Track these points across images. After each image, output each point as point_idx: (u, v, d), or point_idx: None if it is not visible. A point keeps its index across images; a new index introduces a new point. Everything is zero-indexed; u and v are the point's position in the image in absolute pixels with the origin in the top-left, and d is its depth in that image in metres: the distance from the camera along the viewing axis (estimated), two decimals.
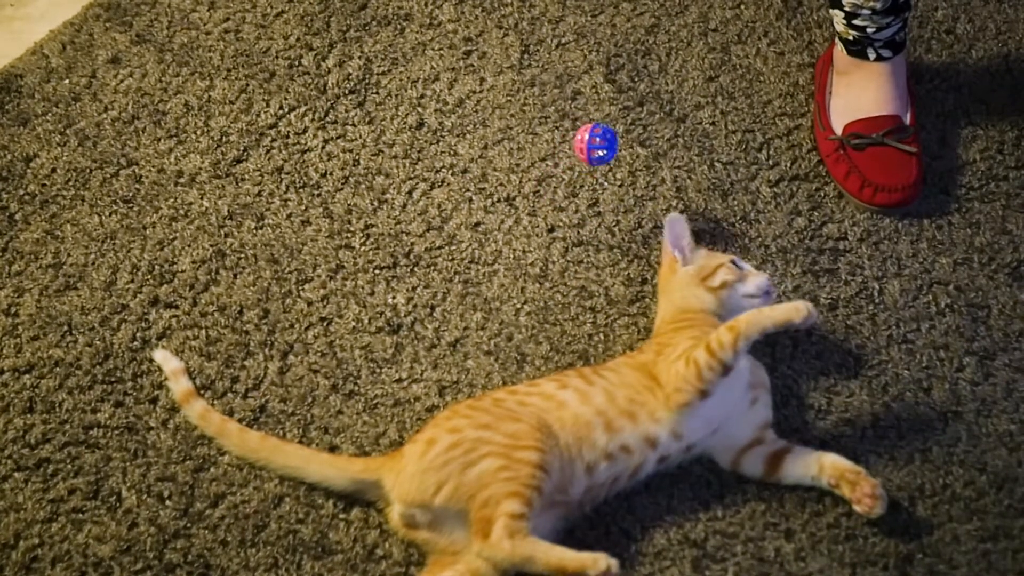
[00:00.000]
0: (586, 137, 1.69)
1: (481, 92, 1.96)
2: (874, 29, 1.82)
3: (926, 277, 1.74)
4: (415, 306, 1.71)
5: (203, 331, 1.68)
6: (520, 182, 1.84)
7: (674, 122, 1.91)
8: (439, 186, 1.84)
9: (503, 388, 1.57)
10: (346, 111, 1.93)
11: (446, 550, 1.44)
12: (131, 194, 1.83)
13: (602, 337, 1.67)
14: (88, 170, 1.86)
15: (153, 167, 1.87)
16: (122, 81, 1.97)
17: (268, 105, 1.94)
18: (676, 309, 1.60)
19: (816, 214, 1.81)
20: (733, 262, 1.61)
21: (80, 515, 1.51)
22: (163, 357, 1.63)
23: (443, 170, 1.86)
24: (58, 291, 1.72)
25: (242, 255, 1.76)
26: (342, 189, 1.84)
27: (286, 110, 1.94)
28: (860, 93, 1.86)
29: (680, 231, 1.64)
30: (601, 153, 1.69)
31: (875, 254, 1.76)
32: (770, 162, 1.87)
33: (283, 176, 1.86)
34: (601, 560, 1.37)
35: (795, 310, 1.48)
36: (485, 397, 1.53)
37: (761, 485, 1.53)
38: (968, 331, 1.68)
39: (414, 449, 1.46)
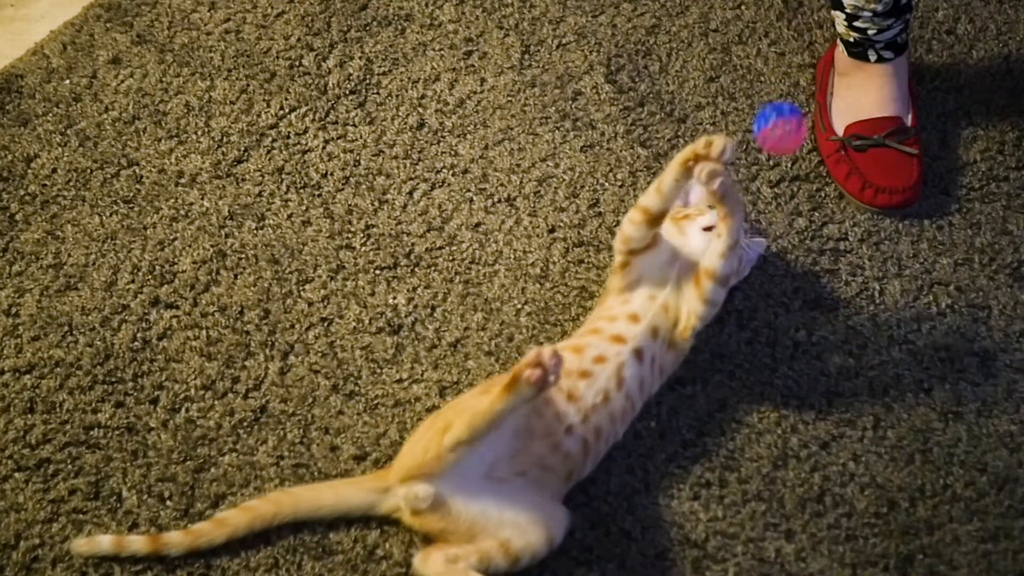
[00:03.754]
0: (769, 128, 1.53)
1: (482, 92, 1.96)
2: (875, 31, 1.82)
3: (927, 278, 1.74)
4: (416, 306, 1.71)
5: (204, 331, 1.68)
6: (521, 182, 1.85)
7: (675, 122, 1.92)
8: (440, 186, 1.84)
9: None
10: (347, 111, 1.93)
11: (463, 538, 1.43)
12: (132, 194, 1.83)
13: None
14: (89, 170, 1.86)
15: (154, 167, 1.87)
16: (123, 81, 1.97)
17: (269, 105, 1.94)
18: None
19: (817, 215, 1.81)
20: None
21: (81, 515, 1.51)
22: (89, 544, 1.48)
23: (444, 170, 1.86)
24: (59, 291, 1.72)
25: (243, 255, 1.76)
26: (343, 189, 1.84)
27: (287, 110, 1.94)
28: (861, 94, 1.86)
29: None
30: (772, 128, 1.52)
31: (876, 255, 1.76)
32: (771, 163, 1.87)
33: (284, 176, 1.86)
34: (530, 358, 1.36)
35: (704, 143, 1.47)
36: None
37: (762, 485, 1.53)
38: (969, 332, 1.68)
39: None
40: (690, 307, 1.55)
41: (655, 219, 1.55)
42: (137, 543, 1.45)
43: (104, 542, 1.46)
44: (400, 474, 1.46)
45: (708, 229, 1.60)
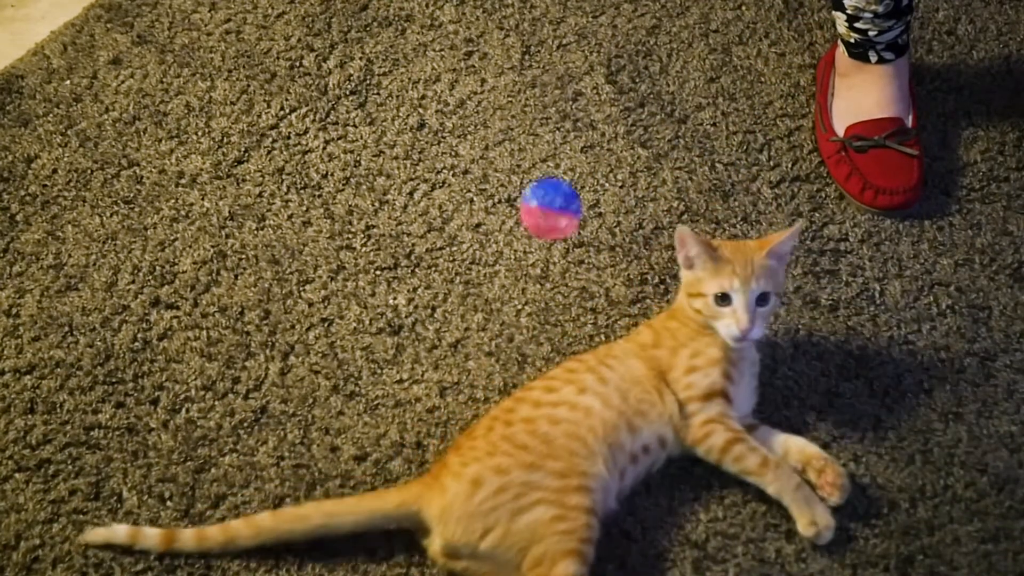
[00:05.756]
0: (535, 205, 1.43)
1: (482, 93, 1.96)
2: (876, 32, 1.82)
3: (927, 278, 1.74)
4: (416, 307, 1.71)
5: (204, 332, 1.68)
6: (521, 183, 1.85)
7: (675, 123, 1.92)
8: (440, 187, 1.84)
9: (524, 392, 1.52)
10: (347, 112, 1.94)
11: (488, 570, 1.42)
12: (132, 195, 1.84)
13: (603, 338, 1.67)
14: (89, 171, 1.86)
15: (154, 168, 1.87)
16: (123, 82, 1.97)
17: (269, 106, 1.94)
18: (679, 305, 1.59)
19: (817, 215, 1.81)
20: (722, 296, 1.50)
21: (81, 516, 1.51)
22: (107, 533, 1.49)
23: (444, 171, 1.86)
24: (59, 292, 1.72)
25: (243, 256, 1.76)
26: (343, 190, 1.84)
27: (287, 111, 1.94)
28: (862, 95, 1.86)
29: (685, 242, 1.53)
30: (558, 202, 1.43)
31: (876, 255, 1.76)
32: (771, 163, 1.87)
33: (284, 177, 1.86)
34: None
35: (809, 522, 1.46)
36: (515, 412, 1.48)
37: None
38: (969, 332, 1.68)
39: (458, 488, 1.41)
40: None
41: None
42: (153, 539, 1.46)
43: (120, 532, 1.46)
44: (447, 536, 1.41)
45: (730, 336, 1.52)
